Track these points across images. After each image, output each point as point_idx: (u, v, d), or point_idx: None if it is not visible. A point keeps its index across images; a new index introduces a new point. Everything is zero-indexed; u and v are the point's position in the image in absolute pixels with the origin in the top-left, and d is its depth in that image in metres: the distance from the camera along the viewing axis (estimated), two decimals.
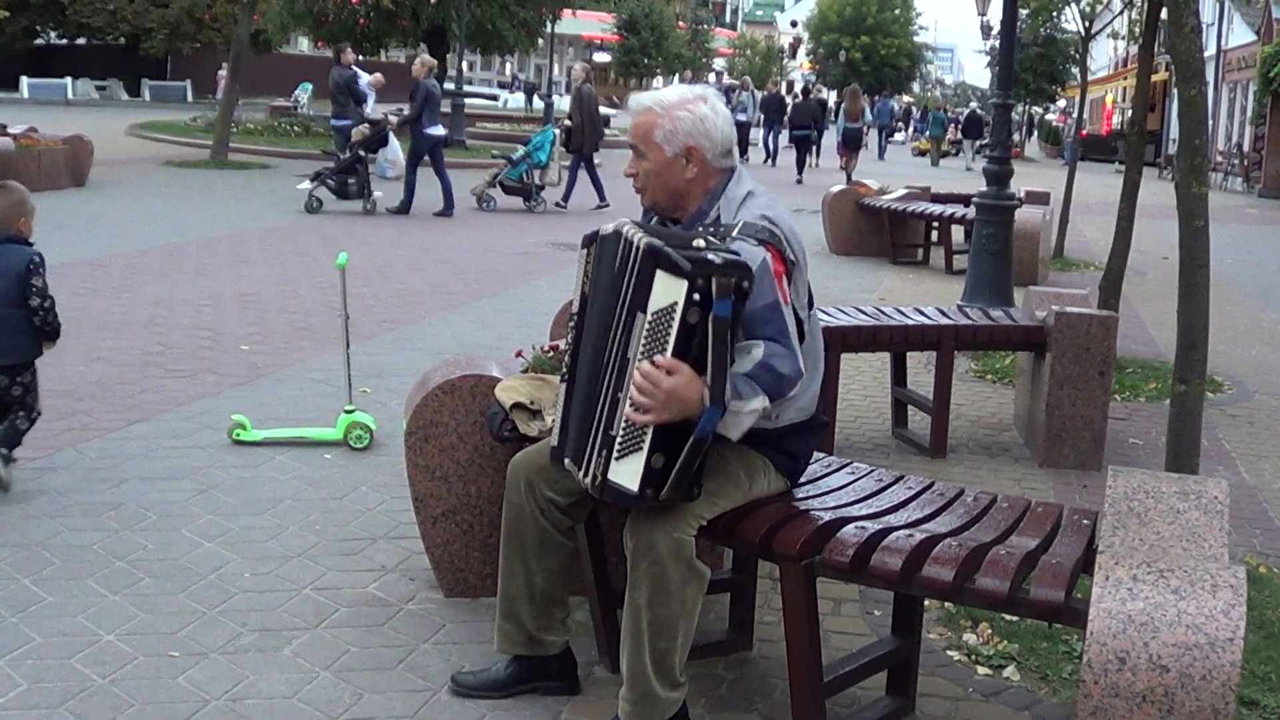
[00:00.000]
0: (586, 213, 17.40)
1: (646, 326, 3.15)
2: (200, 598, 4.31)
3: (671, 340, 3.11)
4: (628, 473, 3.16)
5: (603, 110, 19.23)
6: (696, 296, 3.07)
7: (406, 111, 16.26)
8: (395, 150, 16.58)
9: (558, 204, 17.75)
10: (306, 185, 15.86)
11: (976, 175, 34.00)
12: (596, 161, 18.59)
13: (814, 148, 29.38)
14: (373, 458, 5.95)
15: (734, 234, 3.32)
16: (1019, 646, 4.19)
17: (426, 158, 16.43)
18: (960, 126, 43.63)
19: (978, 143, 39.27)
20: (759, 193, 3.52)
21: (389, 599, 4.40)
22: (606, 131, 20.74)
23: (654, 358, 3.11)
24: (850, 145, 27.55)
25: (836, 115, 30.99)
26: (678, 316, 3.09)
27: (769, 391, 3.24)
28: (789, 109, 30.53)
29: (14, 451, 5.21)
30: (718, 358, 3.10)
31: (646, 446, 3.13)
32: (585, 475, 3.27)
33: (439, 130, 16.61)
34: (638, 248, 3.19)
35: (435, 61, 16.91)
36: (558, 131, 17.88)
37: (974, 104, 48.73)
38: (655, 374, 3.09)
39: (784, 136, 30.32)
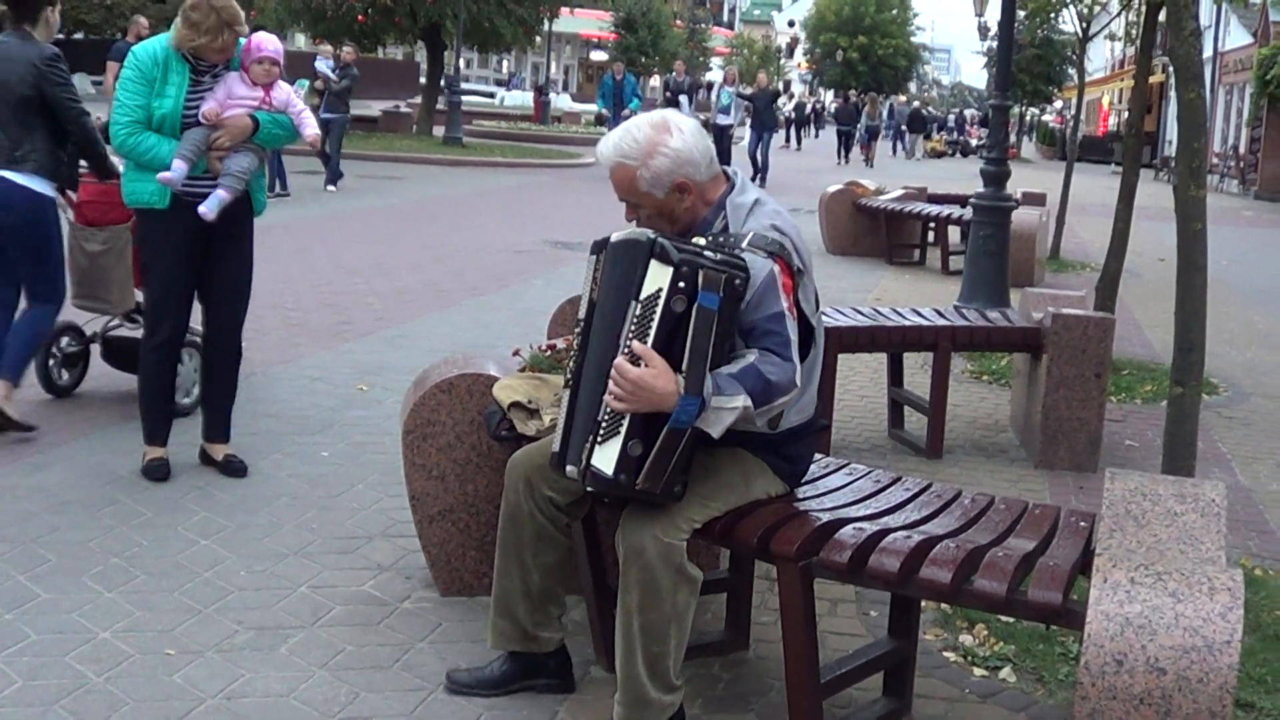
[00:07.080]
0: (271, 201, 17.23)
1: (636, 313, 3.17)
2: (196, 595, 4.30)
3: (654, 327, 3.14)
4: (607, 458, 3.18)
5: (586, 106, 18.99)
6: (681, 284, 3.10)
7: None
8: None
9: (276, 193, 17.19)
10: None
11: (924, 164, 39.68)
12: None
13: (851, 139, 39.06)
14: (369, 456, 5.95)
15: (743, 245, 3.32)
16: (1015, 648, 4.19)
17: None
18: (906, 123, 48.08)
19: (919, 136, 47.50)
20: (765, 200, 3.51)
21: (385, 598, 4.39)
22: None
23: (630, 343, 3.14)
24: (871, 137, 39.02)
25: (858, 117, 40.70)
26: (661, 302, 3.12)
27: (753, 394, 3.18)
28: (828, 109, 37.12)
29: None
30: (697, 348, 3.12)
31: (623, 432, 3.15)
32: (578, 466, 3.26)
33: None
34: (640, 245, 3.22)
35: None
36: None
37: (916, 103, 57.38)
38: (624, 365, 3.12)
39: (775, 140, 31.17)
